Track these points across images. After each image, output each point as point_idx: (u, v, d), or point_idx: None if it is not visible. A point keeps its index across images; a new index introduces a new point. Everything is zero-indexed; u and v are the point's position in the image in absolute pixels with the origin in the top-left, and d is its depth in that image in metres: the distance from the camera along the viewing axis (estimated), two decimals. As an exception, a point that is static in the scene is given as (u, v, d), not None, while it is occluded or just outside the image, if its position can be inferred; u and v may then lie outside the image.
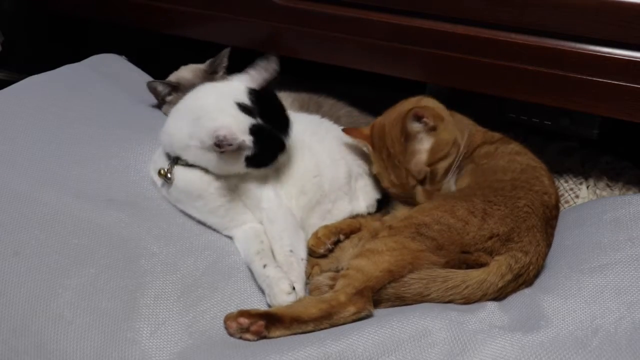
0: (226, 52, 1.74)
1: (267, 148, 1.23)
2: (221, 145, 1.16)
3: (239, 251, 1.30)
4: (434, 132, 1.38)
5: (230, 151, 1.18)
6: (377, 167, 1.44)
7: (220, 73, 1.74)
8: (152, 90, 1.67)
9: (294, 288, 1.18)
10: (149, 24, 1.89)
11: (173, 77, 1.73)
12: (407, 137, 1.36)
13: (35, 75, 1.64)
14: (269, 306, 1.18)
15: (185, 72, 1.74)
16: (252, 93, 1.24)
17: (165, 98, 1.68)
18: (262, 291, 1.21)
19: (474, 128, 1.50)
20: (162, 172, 1.28)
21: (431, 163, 1.37)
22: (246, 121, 1.20)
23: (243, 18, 1.70)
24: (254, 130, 1.19)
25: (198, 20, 1.79)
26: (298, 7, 1.61)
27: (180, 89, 1.66)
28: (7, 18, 2.04)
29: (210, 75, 1.72)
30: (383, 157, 1.41)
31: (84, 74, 1.73)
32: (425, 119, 1.36)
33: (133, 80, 1.79)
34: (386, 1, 1.51)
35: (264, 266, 1.22)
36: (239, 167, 1.23)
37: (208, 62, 1.77)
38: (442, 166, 1.37)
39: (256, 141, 1.19)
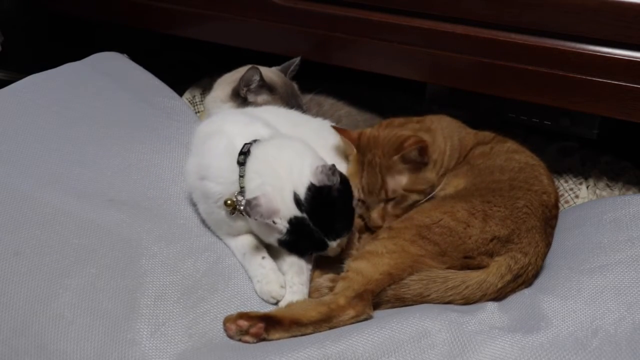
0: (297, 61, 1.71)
1: (302, 242, 1.20)
2: (247, 211, 1.14)
3: (229, 245, 1.29)
4: (423, 166, 1.37)
5: (262, 222, 1.17)
6: (351, 168, 1.42)
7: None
8: (251, 75, 1.58)
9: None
10: (149, 24, 1.89)
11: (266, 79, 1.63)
12: (404, 159, 1.34)
13: (36, 74, 1.64)
14: (263, 299, 1.20)
15: (274, 77, 1.68)
16: (311, 190, 1.19)
17: (251, 88, 1.60)
18: (251, 279, 1.23)
19: (464, 131, 1.49)
20: (229, 202, 1.22)
21: (408, 189, 1.35)
22: (289, 211, 1.17)
23: (243, 18, 1.69)
24: (292, 222, 1.17)
25: (198, 20, 1.79)
26: (298, 7, 1.61)
27: (275, 92, 1.62)
28: (7, 18, 2.04)
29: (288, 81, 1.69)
30: (364, 162, 1.39)
31: (84, 73, 1.72)
32: (427, 156, 1.36)
33: (135, 79, 1.78)
34: (386, 1, 1.51)
35: (263, 258, 1.24)
36: (272, 239, 1.21)
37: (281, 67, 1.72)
38: (413, 198, 1.36)
39: (292, 231, 1.18)
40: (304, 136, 1.38)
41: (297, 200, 1.17)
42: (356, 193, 1.38)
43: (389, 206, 1.36)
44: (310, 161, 1.21)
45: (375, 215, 1.36)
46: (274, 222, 1.16)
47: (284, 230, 1.17)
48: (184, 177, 1.35)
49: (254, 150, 1.23)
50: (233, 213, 1.23)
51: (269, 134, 1.28)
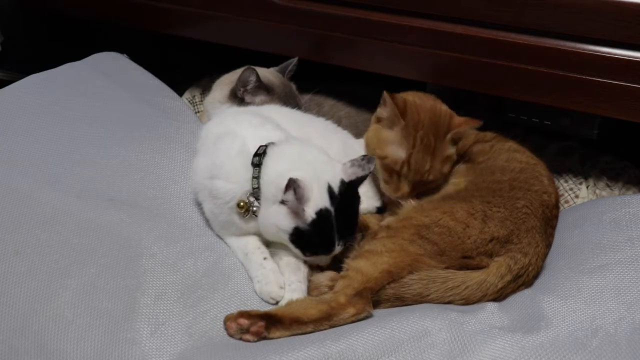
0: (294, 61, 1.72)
1: (316, 239, 1.19)
2: (288, 190, 1.13)
3: (231, 245, 1.29)
4: (453, 148, 1.38)
5: (290, 207, 1.16)
6: (394, 137, 1.35)
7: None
8: (247, 76, 1.58)
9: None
10: (149, 24, 1.89)
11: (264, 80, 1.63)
12: (453, 139, 1.35)
13: (36, 74, 1.64)
14: (263, 299, 1.20)
15: (272, 77, 1.68)
16: (343, 185, 1.20)
17: (248, 89, 1.60)
18: (252, 279, 1.23)
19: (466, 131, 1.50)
20: (241, 204, 1.23)
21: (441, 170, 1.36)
22: (322, 202, 1.17)
23: (243, 18, 1.70)
24: (319, 213, 1.17)
25: (198, 20, 1.79)
26: (298, 7, 1.61)
27: (272, 93, 1.63)
28: (7, 18, 2.04)
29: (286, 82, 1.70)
30: (416, 137, 1.33)
31: (84, 73, 1.72)
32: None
33: (134, 79, 1.78)
34: (386, 1, 1.51)
35: (264, 259, 1.24)
36: (283, 229, 1.19)
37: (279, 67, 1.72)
38: (439, 182, 1.37)
39: (314, 223, 1.16)
40: (309, 137, 1.38)
41: (330, 193, 1.18)
42: (398, 166, 1.34)
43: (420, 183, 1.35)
44: (333, 160, 1.23)
45: (406, 187, 1.34)
46: (303, 209, 1.15)
47: (309, 220, 1.16)
48: (190, 176, 1.35)
49: (271, 151, 1.23)
50: (246, 215, 1.23)
51: (281, 137, 1.29)
